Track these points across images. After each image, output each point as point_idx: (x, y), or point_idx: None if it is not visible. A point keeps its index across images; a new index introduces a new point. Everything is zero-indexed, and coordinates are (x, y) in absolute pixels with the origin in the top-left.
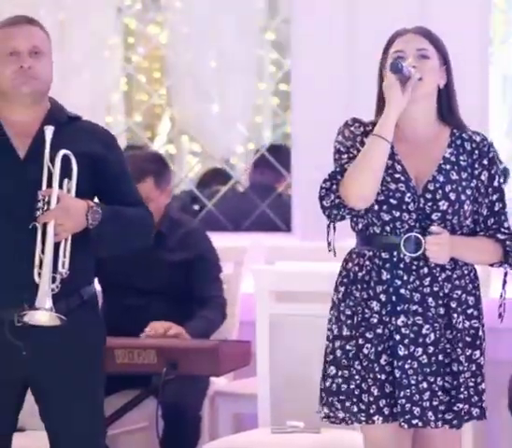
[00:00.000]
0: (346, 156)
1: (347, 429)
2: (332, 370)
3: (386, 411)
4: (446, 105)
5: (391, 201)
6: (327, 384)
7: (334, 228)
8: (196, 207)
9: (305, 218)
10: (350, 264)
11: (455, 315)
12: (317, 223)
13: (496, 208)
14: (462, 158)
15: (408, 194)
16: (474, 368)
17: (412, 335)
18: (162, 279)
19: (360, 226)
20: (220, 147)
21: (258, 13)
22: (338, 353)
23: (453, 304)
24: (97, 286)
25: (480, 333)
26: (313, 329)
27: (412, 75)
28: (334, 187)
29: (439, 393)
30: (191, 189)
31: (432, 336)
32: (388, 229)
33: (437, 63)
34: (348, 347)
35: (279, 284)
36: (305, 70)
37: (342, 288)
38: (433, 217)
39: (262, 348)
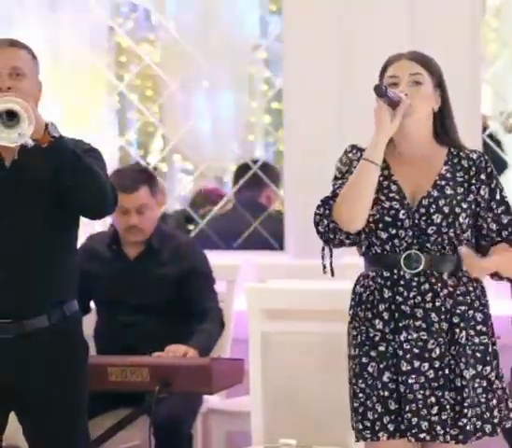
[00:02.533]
0: (340, 182)
1: (339, 447)
2: (350, 389)
3: (391, 427)
4: (440, 126)
5: (386, 218)
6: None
7: (331, 250)
8: (191, 227)
9: (297, 236)
10: (358, 287)
11: (458, 331)
12: (309, 241)
13: (505, 221)
14: (458, 174)
15: (402, 211)
16: (485, 384)
17: (417, 350)
18: (155, 295)
19: (363, 248)
20: (213, 166)
21: (249, 31)
22: (351, 373)
23: (456, 320)
24: (92, 304)
25: (490, 349)
26: (306, 347)
27: (402, 100)
28: (327, 212)
29: (447, 407)
30: (184, 208)
31: (437, 351)
32: (387, 247)
33: (431, 87)
34: (353, 366)
35: (272, 302)
36: (297, 88)
37: (350, 311)
38: (429, 231)
39: (254, 366)
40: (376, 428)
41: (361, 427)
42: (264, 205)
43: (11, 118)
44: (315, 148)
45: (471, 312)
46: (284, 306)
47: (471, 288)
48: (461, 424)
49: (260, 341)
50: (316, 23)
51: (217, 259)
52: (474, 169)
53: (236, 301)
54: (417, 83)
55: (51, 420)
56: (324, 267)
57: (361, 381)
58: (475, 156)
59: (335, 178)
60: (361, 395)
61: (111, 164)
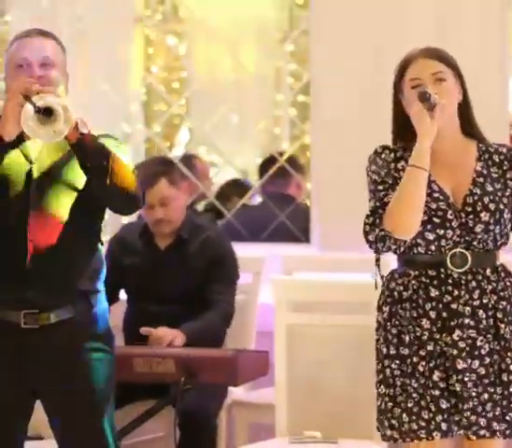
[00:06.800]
0: (382, 187)
1: (364, 440)
2: (382, 389)
3: (444, 426)
4: (466, 118)
5: (435, 219)
6: (378, 403)
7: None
8: (219, 222)
9: (323, 229)
10: (394, 284)
11: (502, 326)
12: (335, 234)
13: None
14: (492, 170)
15: (450, 211)
16: None
17: (468, 348)
18: (183, 286)
19: (402, 249)
20: (239, 158)
21: (277, 24)
22: (387, 372)
23: (500, 315)
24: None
25: None
26: (331, 339)
27: (438, 101)
28: (378, 221)
29: (499, 402)
30: (210, 201)
31: (486, 347)
32: (432, 247)
33: (453, 81)
34: (393, 366)
35: (298, 294)
36: (324, 81)
37: (386, 308)
38: (477, 229)
39: (280, 358)
40: (431, 428)
41: (415, 427)
42: (293, 197)
43: (48, 114)
44: (341, 141)
45: (509, 307)
46: (310, 299)
47: (509, 283)
48: (508, 418)
49: (285, 333)
50: (344, 16)
51: (243, 250)
52: (506, 163)
53: (261, 293)
54: (441, 80)
55: (76, 411)
56: (382, 277)
57: (413, 380)
58: (505, 150)
59: (375, 183)
60: (415, 395)
61: (137, 156)
